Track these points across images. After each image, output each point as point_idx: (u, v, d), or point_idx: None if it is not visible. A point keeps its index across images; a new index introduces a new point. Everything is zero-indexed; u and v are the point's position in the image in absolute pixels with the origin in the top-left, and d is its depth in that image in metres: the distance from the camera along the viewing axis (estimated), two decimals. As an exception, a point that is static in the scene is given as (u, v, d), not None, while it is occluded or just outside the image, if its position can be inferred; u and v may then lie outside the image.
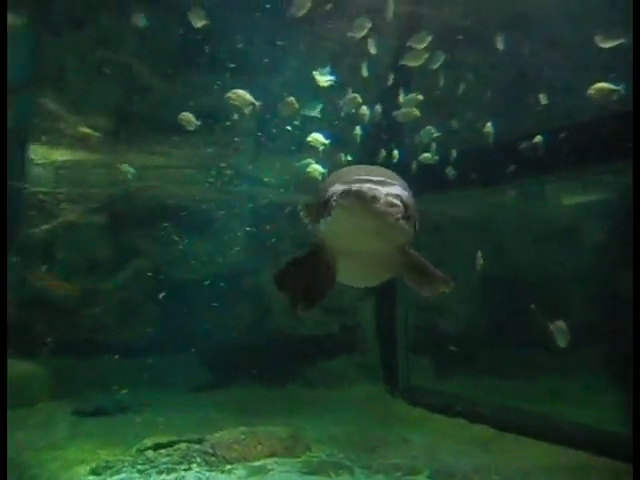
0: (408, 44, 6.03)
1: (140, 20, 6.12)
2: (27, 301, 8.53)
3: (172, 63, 8.57)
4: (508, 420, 6.58)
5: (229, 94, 6.10)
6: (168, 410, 7.54)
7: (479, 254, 6.21)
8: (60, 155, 8.82)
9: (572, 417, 6.24)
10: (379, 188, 2.24)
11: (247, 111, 6.15)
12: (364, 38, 6.21)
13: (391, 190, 2.32)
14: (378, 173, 2.50)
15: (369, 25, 5.68)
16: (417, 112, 6.05)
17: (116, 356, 8.09)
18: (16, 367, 7.58)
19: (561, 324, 5.19)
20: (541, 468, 5.45)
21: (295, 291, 2.69)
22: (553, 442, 5.94)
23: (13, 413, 7.13)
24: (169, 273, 8.93)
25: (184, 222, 8.73)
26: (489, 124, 6.12)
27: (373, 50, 6.38)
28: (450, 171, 6.44)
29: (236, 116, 7.29)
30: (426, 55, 5.97)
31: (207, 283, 8.32)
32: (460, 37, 7.09)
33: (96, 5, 8.17)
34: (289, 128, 7.37)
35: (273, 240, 8.70)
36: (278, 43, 7.94)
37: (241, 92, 6.16)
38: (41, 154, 8.77)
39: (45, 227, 8.44)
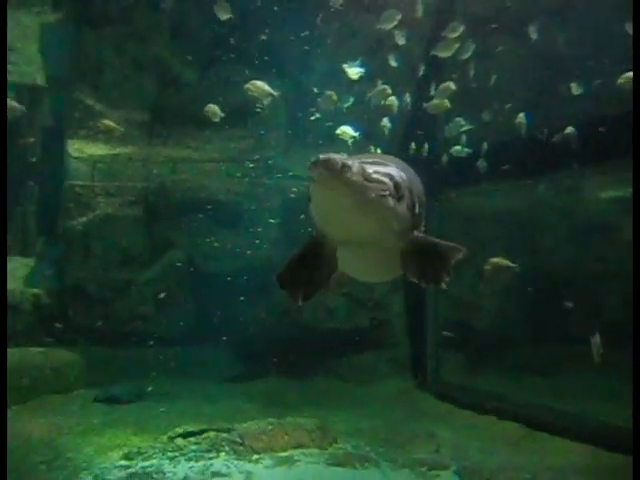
0: (442, 34, 5.93)
1: (224, 10, 6.14)
2: (66, 291, 8.80)
3: (205, 57, 8.67)
4: (539, 418, 6.43)
5: (248, 85, 6.15)
6: (199, 400, 7.68)
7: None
8: (97, 149, 9.06)
9: (606, 416, 6.07)
10: (356, 162, 2.08)
11: (266, 102, 6.18)
12: (394, 30, 6.16)
13: (379, 168, 2.21)
14: (378, 157, 2.45)
15: (399, 17, 5.62)
16: (447, 103, 5.94)
17: (151, 343, 8.29)
18: (54, 355, 7.85)
19: (597, 339, 5.02)
20: (574, 468, 5.31)
21: (295, 284, 2.60)
22: (586, 442, 5.76)
23: (51, 399, 7.45)
24: (202, 265, 9.06)
25: (217, 215, 8.84)
26: (521, 115, 5.97)
27: (402, 41, 6.31)
28: (482, 163, 6.32)
29: (267, 110, 7.33)
30: (457, 45, 5.85)
31: (242, 277, 8.40)
32: (493, 26, 6.96)
33: (131, 1, 8.32)
34: (317, 116, 7.33)
35: (304, 232, 8.72)
36: (309, 37, 7.93)
37: (259, 83, 6.22)
38: (78, 148, 9.02)
39: (82, 220, 8.67)
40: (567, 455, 5.64)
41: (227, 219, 8.85)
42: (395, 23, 5.63)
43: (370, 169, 2.16)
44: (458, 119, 6.12)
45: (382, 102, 6.08)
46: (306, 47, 8.01)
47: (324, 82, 6.82)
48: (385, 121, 6.43)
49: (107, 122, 7.63)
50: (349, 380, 8.88)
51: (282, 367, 8.73)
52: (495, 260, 5.74)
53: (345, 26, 7.76)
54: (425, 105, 6.16)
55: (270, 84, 6.34)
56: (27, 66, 9.82)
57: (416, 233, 2.47)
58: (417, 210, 2.40)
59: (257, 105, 6.54)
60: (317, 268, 2.60)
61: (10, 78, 10.48)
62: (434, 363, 8.58)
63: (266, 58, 7.88)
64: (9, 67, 9.98)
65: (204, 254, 9.01)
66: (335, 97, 6.27)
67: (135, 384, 7.91)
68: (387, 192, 2.14)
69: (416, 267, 2.48)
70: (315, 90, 6.33)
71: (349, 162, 2.03)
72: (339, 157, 2.03)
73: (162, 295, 8.65)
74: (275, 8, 7.79)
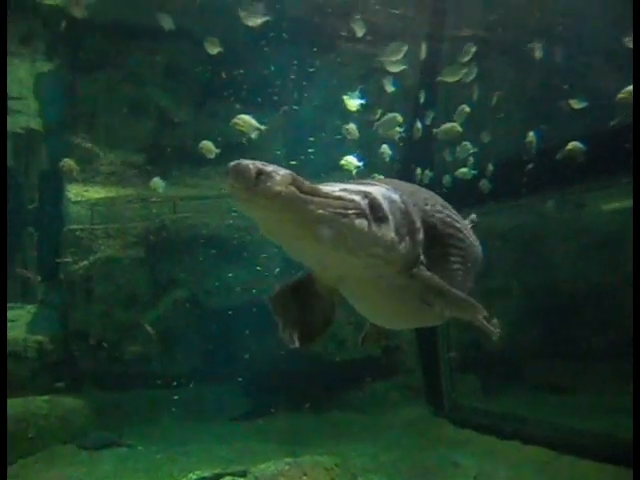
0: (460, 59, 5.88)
1: (214, 45, 6.24)
2: (70, 336, 8.67)
3: (199, 95, 8.73)
4: (565, 440, 6.22)
5: (235, 120, 6.17)
6: (211, 441, 7.50)
7: None
8: (95, 192, 9.05)
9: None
10: (281, 170, 1.67)
11: (254, 135, 6.18)
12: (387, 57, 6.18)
13: (351, 186, 1.89)
14: (376, 181, 2.14)
15: (405, 48, 5.62)
16: (459, 128, 5.88)
17: (158, 383, 8.14)
18: (60, 402, 7.69)
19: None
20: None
21: (289, 319, 2.23)
22: (617, 464, 5.56)
23: (59, 448, 7.27)
24: (207, 302, 8.96)
25: (219, 251, 8.78)
26: (531, 134, 5.92)
27: (396, 69, 6.33)
28: (485, 184, 6.29)
29: (265, 143, 7.34)
30: (465, 70, 5.82)
31: (248, 311, 8.30)
32: (483, 48, 6.98)
33: (124, 45, 8.41)
34: (311, 150, 7.33)
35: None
36: (303, 68, 7.99)
37: (246, 117, 6.25)
38: (77, 192, 9.00)
39: (84, 263, 8.59)
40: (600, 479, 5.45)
41: (230, 254, 8.78)
42: (401, 55, 5.62)
43: (327, 187, 1.81)
44: (465, 142, 6.09)
45: (392, 130, 6.04)
46: (300, 78, 8.07)
47: (321, 112, 6.83)
48: (385, 148, 6.42)
49: (69, 163, 7.49)
50: (363, 411, 8.71)
51: (293, 402, 8.56)
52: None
53: (339, 55, 7.83)
54: (435, 131, 6.10)
55: (265, 117, 6.35)
56: (23, 113, 9.88)
57: (421, 270, 2.06)
58: (418, 238, 2.05)
59: (250, 138, 6.56)
60: (311, 308, 2.23)
61: (7, 126, 10.56)
62: (449, 388, 8.41)
63: (260, 94, 7.93)
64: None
65: (208, 291, 8.92)
66: (356, 130, 6.24)
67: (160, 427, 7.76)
68: (350, 211, 1.78)
69: (442, 304, 2.11)
70: (311, 120, 6.34)
71: (268, 169, 1.63)
72: (253, 163, 1.63)
73: (168, 334, 8.53)
74: (264, 42, 7.88)
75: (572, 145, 5.55)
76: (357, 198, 1.85)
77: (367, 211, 1.85)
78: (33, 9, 8.19)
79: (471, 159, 6.27)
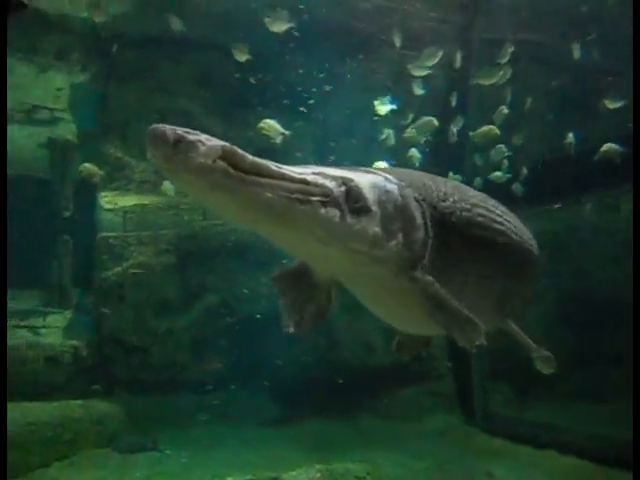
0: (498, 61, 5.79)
1: (242, 53, 6.36)
2: (104, 342, 8.82)
3: (229, 103, 8.83)
4: (605, 450, 6.03)
5: (261, 124, 6.21)
6: (241, 446, 7.51)
7: None
8: (128, 200, 9.21)
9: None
10: (214, 140, 1.43)
11: (278, 140, 6.20)
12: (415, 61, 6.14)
13: (330, 171, 1.68)
14: (382, 170, 1.96)
15: (441, 53, 5.56)
16: (497, 131, 5.76)
17: (189, 389, 8.20)
18: (94, 407, 7.81)
19: None
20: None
21: (288, 303, 2.19)
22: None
23: (93, 452, 7.38)
24: (237, 308, 9.01)
25: (249, 257, 8.83)
26: (570, 135, 5.78)
27: (419, 73, 6.28)
28: (518, 188, 6.18)
29: (295, 150, 7.39)
30: (501, 72, 5.71)
31: (277, 317, 8.32)
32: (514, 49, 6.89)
33: (155, 56, 8.58)
34: (332, 157, 7.30)
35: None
36: (332, 74, 8.01)
37: (271, 122, 6.25)
38: (110, 200, 9.19)
39: (117, 270, 8.74)
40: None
41: (259, 260, 8.82)
42: (437, 60, 5.56)
43: (294, 168, 1.61)
44: (500, 145, 5.98)
45: (428, 134, 5.96)
46: (329, 83, 8.08)
47: (350, 117, 6.83)
48: (414, 152, 6.37)
49: (90, 166, 7.72)
50: (393, 417, 8.61)
51: (323, 407, 8.53)
52: None
53: (367, 60, 7.82)
54: (472, 134, 5.99)
55: (294, 123, 6.39)
56: (58, 124, 10.14)
57: (420, 274, 1.83)
58: (418, 236, 1.81)
59: (279, 145, 6.60)
60: (309, 298, 2.15)
61: (42, 136, 10.85)
62: (481, 395, 8.26)
63: (288, 98, 7.98)
64: (41, 127, 10.35)
65: (238, 297, 8.97)
66: (392, 137, 6.20)
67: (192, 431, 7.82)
68: (314, 197, 1.56)
69: (437, 315, 1.87)
70: (341, 125, 6.34)
71: (190, 136, 1.39)
72: (173, 129, 1.39)
73: (199, 340, 8.60)
74: (291, 48, 7.93)
75: (607, 147, 5.41)
76: (330, 184, 1.64)
77: (341, 200, 1.64)
78: (67, 24, 8.42)
79: (505, 162, 6.14)
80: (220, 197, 1.48)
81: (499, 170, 6.13)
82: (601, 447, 6.11)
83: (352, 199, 1.68)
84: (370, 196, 1.73)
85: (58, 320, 9.42)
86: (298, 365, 8.73)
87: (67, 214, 10.74)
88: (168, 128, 1.40)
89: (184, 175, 1.42)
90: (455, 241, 1.98)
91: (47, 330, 8.72)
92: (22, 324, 8.96)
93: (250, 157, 1.51)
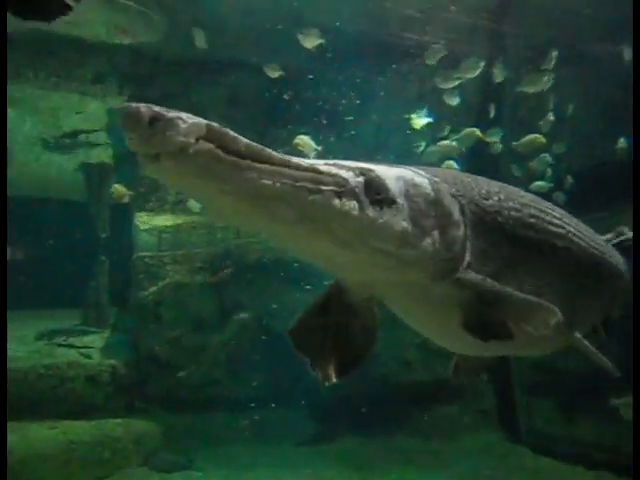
0: (543, 67, 5.68)
1: (274, 71, 6.50)
2: (141, 361, 8.90)
3: (261, 121, 8.91)
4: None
5: (296, 140, 6.24)
6: (277, 465, 7.45)
7: None
8: (163, 220, 9.35)
9: None
10: (197, 119, 1.24)
11: (312, 156, 6.22)
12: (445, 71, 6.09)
13: (352, 163, 1.48)
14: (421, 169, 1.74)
15: (482, 64, 5.46)
16: (542, 139, 5.61)
17: (225, 407, 8.19)
18: (133, 426, 7.86)
19: None
20: None
21: (319, 351, 1.90)
22: None
23: (133, 471, 7.40)
24: (272, 326, 8.99)
25: (283, 274, 8.82)
26: (622, 140, 5.58)
27: (447, 85, 6.20)
28: (559, 196, 6.01)
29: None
30: (545, 78, 5.54)
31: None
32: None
33: (188, 78, 8.74)
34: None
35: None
36: (362, 89, 8.01)
37: (306, 138, 6.28)
38: (145, 221, 9.33)
39: (153, 289, 8.84)
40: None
41: (293, 277, 8.81)
42: (478, 72, 5.46)
43: (305, 160, 1.39)
44: (544, 155, 5.81)
45: (470, 145, 5.85)
46: (361, 99, 8.08)
47: (383, 131, 6.80)
48: (451, 164, 6.26)
49: (117, 187, 7.94)
50: (432, 435, 8.41)
51: (359, 425, 8.39)
52: None
53: (399, 73, 7.79)
54: (515, 143, 5.82)
55: (327, 138, 6.42)
56: (94, 147, 10.39)
57: (467, 273, 1.62)
58: (457, 234, 1.61)
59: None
60: (347, 327, 1.87)
61: (79, 160, 11.14)
62: (524, 411, 8.00)
63: (320, 114, 8.01)
64: (79, 151, 10.63)
65: (273, 314, 8.95)
66: (427, 146, 6.14)
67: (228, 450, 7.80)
68: (327, 187, 1.35)
69: (482, 326, 1.63)
70: (374, 139, 6.32)
71: (168, 114, 1.20)
72: (148, 106, 1.21)
73: (234, 358, 8.61)
74: (322, 64, 7.97)
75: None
76: (346, 173, 1.43)
77: (359, 190, 1.42)
78: (102, 50, 8.65)
79: (549, 171, 5.97)
80: (209, 186, 1.27)
81: (542, 180, 5.97)
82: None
83: (372, 190, 1.46)
84: (395, 187, 1.52)
85: (96, 339, 9.56)
86: (334, 382, 8.62)
87: (104, 235, 10.94)
88: (143, 106, 1.21)
89: (165, 162, 1.23)
90: (504, 244, 1.77)
91: (86, 349, 8.85)
92: (63, 343, 9.12)
93: (245, 139, 1.30)
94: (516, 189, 2.06)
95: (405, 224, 1.50)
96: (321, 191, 1.36)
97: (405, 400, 8.57)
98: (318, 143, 6.13)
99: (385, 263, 1.51)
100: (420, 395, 8.61)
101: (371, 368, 8.89)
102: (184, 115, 1.23)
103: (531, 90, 5.54)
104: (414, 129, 6.08)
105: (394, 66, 7.24)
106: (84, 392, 8.15)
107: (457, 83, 6.08)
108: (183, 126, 1.21)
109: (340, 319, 1.90)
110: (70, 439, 6.97)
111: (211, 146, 1.24)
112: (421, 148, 6.23)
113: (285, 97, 7.58)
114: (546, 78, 5.45)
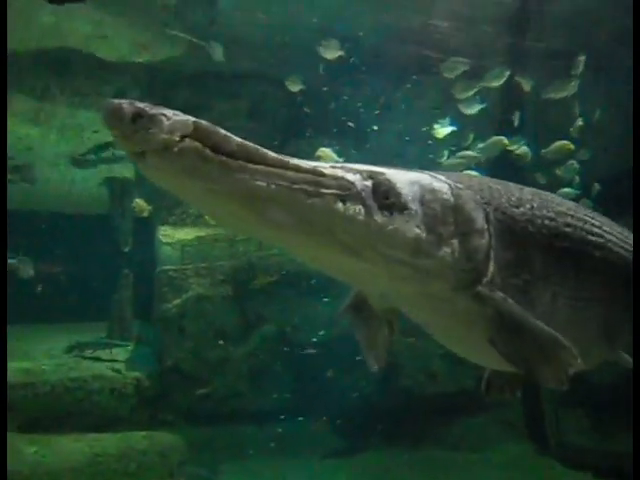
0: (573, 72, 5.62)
1: (295, 84, 6.59)
2: (164, 373, 8.94)
3: (282, 133, 8.96)
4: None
5: (318, 152, 6.25)
6: (303, 478, 7.40)
7: None
8: (185, 233, 9.41)
9: None
10: (184, 116, 1.19)
11: None
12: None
13: (361, 167, 1.41)
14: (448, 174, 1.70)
15: (507, 73, 5.41)
16: (571, 146, 5.51)
17: (249, 420, 8.18)
18: (158, 438, 7.87)
19: None
20: None
21: (364, 336, 1.94)
22: None
23: (159, 485, 7.42)
24: (294, 337, 8.97)
25: (305, 286, 8.81)
26: None
27: (462, 95, 6.15)
28: (586, 203, 5.91)
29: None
30: (573, 83, 5.46)
31: (336, 345, 8.23)
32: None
33: (209, 92, 8.84)
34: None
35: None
36: (381, 99, 8.00)
37: (327, 150, 6.32)
38: (168, 234, 9.42)
39: (176, 302, 8.89)
40: None
41: (315, 289, 8.79)
42: (503, 81, 5.41)
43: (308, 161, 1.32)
44: (571, 162, 5.71)
45: (497, 153, 5.77)
46: (381, 109, 8.07)
47: (402, 141, 6.77)
48: (473, 173, 6.21)
49: (139, 202, 8.05)
50: (459, 447, 8.28)
51: (385, 438, 8.30)
52: None
53: (419, 83, 7.77)
54: (544, 151, 5.72)
55: (347, 150, 6.43)
56: (117, 162, 10.54)
57: (489, 290, 1.52)
58: (479, 243, 1.51)
59: None
60: (371, 328, 1.89)
61: (102, 175, 11.30)
62: (553, 423, 7.82)
63: (339, 125, 8.02)
64: (102, 166, 10.79)
65: (295, 326, 8.95)
66: (466, 156, 6.08)
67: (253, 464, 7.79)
68: (328, 190, 1.28)
69: (511, 348, 1.55)
70: (394, 149, 6.30)
71: (151, 110, 1.16)
72: (131, 102, 1.17)
73: (257, 370, 8.60)
74: (342, 76, 7.98)
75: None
76: (352, 176, 1.35)
77: (365, 194, 1.34)
78: (125, 67, 8.80)
79: (577, 178, 5.85)
80: (195, 185, 1.23)
81: (569, 186, 5.85)
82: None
83: (381, 194, 1.38)
84: (408, 192, 1.43)
85: (120, 352, 9.64)
86: (358, 394, 8.56)
87: (127, 249, 11.06)
88: (125, 102, 1.17)
89: (150, 159, 1.20)
90: (536, 255, 1.68)
91: (110, 364, 8.93)
92: (89, 356, 9.22)
93: (237, 139, 1.25)
94: (554, 196, 1.98)
95: (418, 231, 1.42)
96: (321, 194, 1.29)
97: (430, 412, 8.46)
98: (339, 155, 6.14)
99: (400, 272, 1.44)
100: (445, 406, 8.50)
101: (396, 380, 8.80)
102: (169, 112, 1.20)
103: (557, 96, 5.43)
104: (436, 139, 6.05)
105: (414, 77, 7.22)
106: (109, 405, 8.21)
107: (473, 92, 6.02)
108: (167, 123, 1.18)
109: (367, 320, 1.90)
110: (96, 452, 7.02)
111: (197, 144, 1.20)
112: (444, 158, 6.17)
113: (305, 109, 7.62)
114: (573, 84, 5.35)
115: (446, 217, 1.48)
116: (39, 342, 9.86)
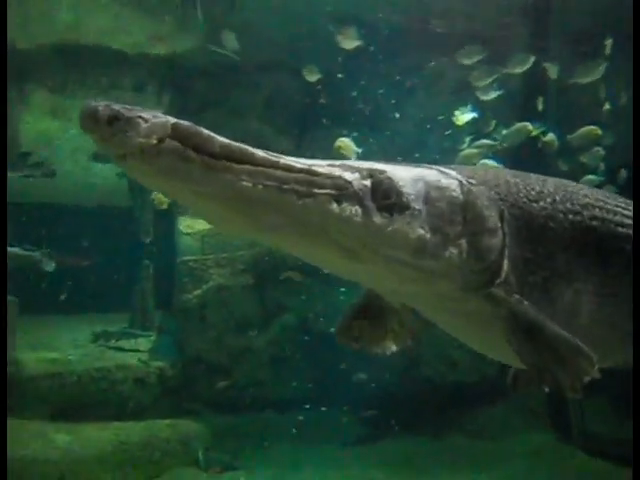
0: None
1: (312, 74, 6.55)
2: (186, 362, 9.04)
3: (299, 123, 8.93)
4: None
5: (338, 143, 6.18)
6: (325, 466, 7.45)
7: None
8: (205, 224, 9.44)
9: None
10: (166, 118, 1.18)
11: (353, 158, 6.14)
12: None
13: (353, 163, 1.38)
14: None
15: (532, 59, 5.28)
16: (598, 131, 5.36)
17: (269, 408, 8.24)
18: (181, 426, 7.98)
19: None
20: None
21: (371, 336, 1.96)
22: None
23: (182, 471, 7.52)
24: (315, 326, 9.00)
25: (325, 275, 8.81)
26: None
27: (479, 83, 6.03)
28: (610, 190, 5.78)
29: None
30: (600, 67, 5.31)
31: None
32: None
33: (226, 84, 8.83)
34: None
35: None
36: (398, 87, 7.92)
37: (347, 140, 6.21)
38: (189, 225, 9.48)
39: (197, 292, 8.97)
40: None
41: (336, 278, 8.78)
42: (527, 66, 5.28)
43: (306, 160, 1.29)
44: (597, 148, 5.57)
45: (521, 140, 5.65)
46: (398, 96, 7.98)
47: (421, 129, 6.69)
48: (489, 162, 6.09)
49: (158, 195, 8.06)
50: (481, 436, 8.25)
51: (406, 426, 8.30)
52: None
53: (438, 69, 7.66)
54: (570, 136, 5.56)
55: (366, 139, 6.36)
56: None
57: (503, 292, 1.47)
58: (491, 243, 1.45)
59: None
60: (386, 319, 1.90)
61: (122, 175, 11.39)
62: (577, 412, 7.74)
63: (357, 114, 7.96)
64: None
65: (316, 315, 8.96)
66: (484, 145, 5.98)
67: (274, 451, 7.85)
68: (322, 189, 1.24)
69: (527, 351, 1.50)
70: (413, 137, 6.23)
71: (128, 113, 1.14)
72: (108, 105, 1.14)
73: (278, 359, 8.66)
74: (359, 64, 7.91)
75: None
76: (350, 175, 1.30)
77: (363, 194, 1.29)
78: (142, 60, 8.82)
79: (602, 165, 5.71)
80: (177, 187, 1.19)
81: (594, 174, 5.71)
82: None
83: (380, 194, 1.33)
84: (410, 191, 1.37)
85: (142, 342, 9.76)
86: (379, 382, 8.56)
87: (148, 240, 11.16)
88: (102, 105, 1.14)
89: (130, 162, 1.17)
90: (556, 252, 1.59)
91: (132, 354, 9.06)
92: (113, 345, 9.35)
93: (221, 139, 1.20)
94: (582, 187, 1.89)
95: (421, 232, 1.37)
96: (313, 194, 1.25)
97: (451, 400, 8.44)
98: (358, 144, 6.08)
99: (404, 274, 1.40)
100: (467, 395, 8.46)
101: (417, 368, 8.79)
102: (147, 114, 1.17)
103: (584, 81, 5.29)
104: (457, 125, 5.95)
105: (432, 63, 7.11)
106: (132, 394, 8.33)
107: (492, 79, 5.90)
108: (144, 126, 1.15)
109: (379, 317, 1.92)
110: (121, 440, 7.14)
111: (177, 145, 1.17)
112: (464, 145, 6.07)
113: (322, 99, 7.57)
114: (600, 67, 5.19)
115: (453, 216, 1.42)
116: (64, 332, 10.04)
